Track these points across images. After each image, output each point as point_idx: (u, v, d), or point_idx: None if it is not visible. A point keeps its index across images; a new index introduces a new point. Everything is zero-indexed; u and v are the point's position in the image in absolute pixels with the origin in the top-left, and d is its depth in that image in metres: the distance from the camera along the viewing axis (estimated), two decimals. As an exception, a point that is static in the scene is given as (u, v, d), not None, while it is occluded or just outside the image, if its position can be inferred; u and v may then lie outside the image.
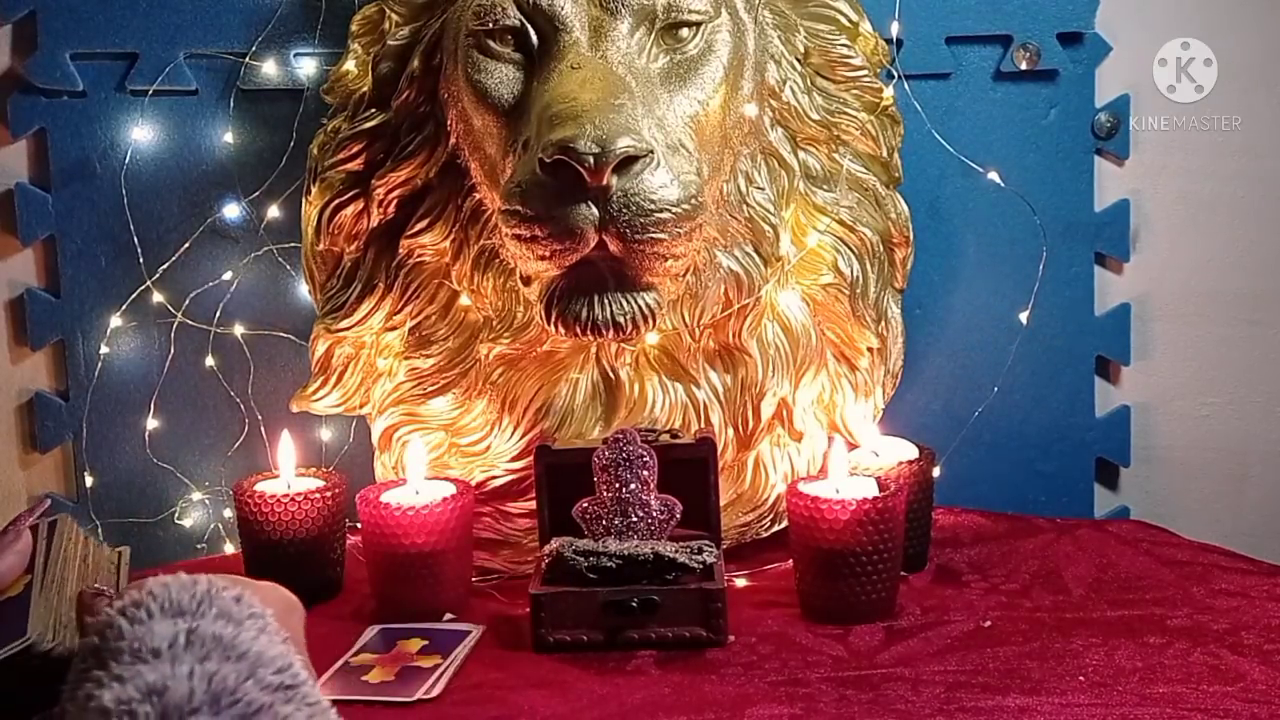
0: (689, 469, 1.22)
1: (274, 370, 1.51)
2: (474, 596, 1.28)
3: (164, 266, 1.48)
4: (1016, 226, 1.49)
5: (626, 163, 1.08)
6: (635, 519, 1.19)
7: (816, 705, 1.01)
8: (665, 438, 1.24)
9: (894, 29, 1.43)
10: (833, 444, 1.26)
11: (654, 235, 1.10)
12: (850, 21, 1.31)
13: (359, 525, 1.27)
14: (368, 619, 1.24)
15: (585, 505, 1.20)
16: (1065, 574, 1.28)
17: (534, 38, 1.18)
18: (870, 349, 1.35)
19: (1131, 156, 1.51)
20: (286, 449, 1.33)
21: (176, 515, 1.52)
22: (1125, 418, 1.55)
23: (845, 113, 1.30)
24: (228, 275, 1.49)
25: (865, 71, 1.31)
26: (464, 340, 1.30)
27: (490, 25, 1.18)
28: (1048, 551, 1.34)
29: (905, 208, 1.35)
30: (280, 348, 1.51)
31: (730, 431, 1.31)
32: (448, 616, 1.23)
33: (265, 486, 1.30)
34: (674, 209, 1.10)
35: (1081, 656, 1.08)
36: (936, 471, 1.36)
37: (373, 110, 1.29)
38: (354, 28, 1.34)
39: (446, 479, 1.31)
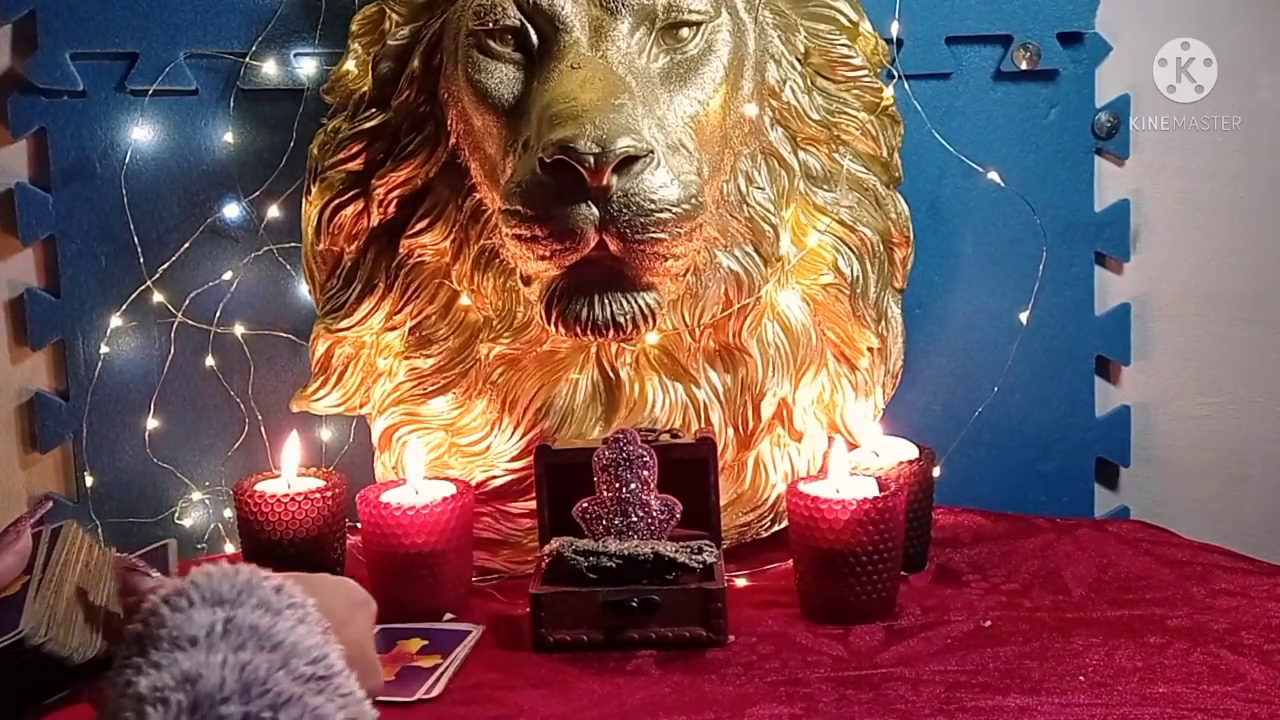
0: (689, 469, 1.22)
1: (274, 370, 1.51)
2: (474, 596, 1.28)
3: (164, 266, 1.48)
4: (1016, 226, 1.49)
5: (626, 163, 1.08)
6: (635, 519, 1.19)
7: (816, 705, 1.01)
8: (665, 438, 1.24)
9: (894, 29, 1.43)
10: (833, 444, 1.26)
11: (654, 235, 1.10)
12: (850, 21, 1.31)
13: (359, 525, 1.27)
14: (368, 619, 1.24)
15: (585, 505, 1.20)
16: (1065, 574, 1.28)
17: (534, 38, 1.18)
18: (870, 349, 1.35)
19: (1131, 156, 1.51)
20: (292, 448, 1.32)
21: (176, 515, 1.52)
22: (1125, 418, 1.55)
23: (845, 113, 1.30)
24: (228, 275, 1.49)
25: (865, 71, 1.31)
26: (464, 340, 1.30)
27: (490, 25, 1.18)
28: (1048, 551, 1.34)
29: (905, 208, 1.35)
30: (280, 348, 1.51)
31: (730, 431, 1.31)
32: (448, 616, 1.23)
33: (265, 486, 1.30)
34: (674, 209, 1.11)
35: (1081, 656, 1.08)
36: (936, 471, 1.36)
37: (373, 110, 1.29)
38: (354, 28, 1.34)
39: (446, 479, 1.31)
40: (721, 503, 1.25)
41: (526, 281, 1.17)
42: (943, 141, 1.45)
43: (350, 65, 1.33)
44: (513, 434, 1.31)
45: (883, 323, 1.34)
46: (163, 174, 1.49)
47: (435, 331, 1.31)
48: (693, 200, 1.12)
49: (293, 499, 1.27)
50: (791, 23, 1.29)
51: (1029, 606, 1.21)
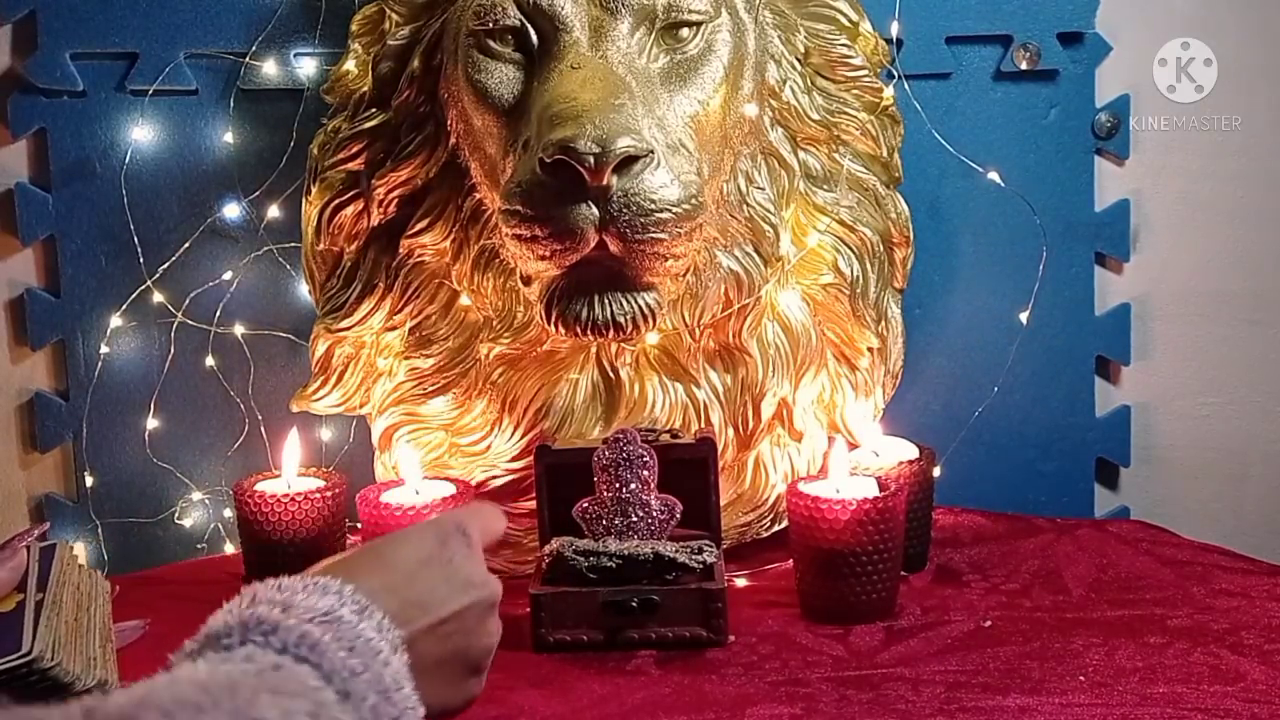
0: (689, 469, 1.22)
1: (274, 370, 1.51)
2: (474, 596, 1.28)
3: (164, 266, 1.48)
4: (1016, 226, 1.49)
5: (626, 163, 1.08)
6: (635, 519, 1.19)
7: (816, 705, 1.01)
8: (665, 438, 1.24)
9: (894, 29, 1.43)
10: (833, 444, 1.26)
11: (654, 235, 1.10)
12: (850, 21, 1.31)
13: (359, 525, 1.27)
14: (368, 619, 1.24)
15: (585, 505, 1.20)
16: (1065, 574, 1.28)
17: (534, 38, 1.18)
18: (870, 349, 1.35)
19: (1131, 156, 1.51)
20: (292, 447, 1.32)
21: (176, 515, 1.52)
22: (1125, 418, 1.55)
23: (845, 113, 1.30)
24: (228, 275, 1.49)
25: (865, 71, 1.31)
26: (464, 340, 1.30)
27: (490, 25, 1.18)
28: (1048, 551, 1.34)
29: (905, 208, 1.35)
30: (280, 348, 1.51)
31: (730, 431, 1.31)
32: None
33: (265, 486, 1.30)
34: (674, 209, 1.11)
35: (1081, 656, 1.08)
36: (936, 471, 1.36)
37: (373, 110, 1.29)
38: (354, 28, 1.34)
39: (446, 479, 1.31)
40: (721, 503, 1.25)
41: (526, 281, 1.17)
42: (943, 141, 1.45)
43: (350, 65, 1.33)
44: (513, 434, 1.31)
45: (883, 323, 1.34)
46: (163, 174, 1.49)
47: (435, 331, 1.31)
48: (693, 200, 1.12)
49: (293, 499, 1.27)
50: (791, 23, 1.29)
51: (1029, 606, 1.21)
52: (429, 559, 0.82)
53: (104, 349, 1.49)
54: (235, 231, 1.49)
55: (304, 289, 1.43)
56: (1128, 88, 1.50)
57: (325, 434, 1.50)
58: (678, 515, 1.20)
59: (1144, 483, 1.57)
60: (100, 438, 1.51)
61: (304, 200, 1.35)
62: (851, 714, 0.99)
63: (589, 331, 1.14)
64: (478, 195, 1.25)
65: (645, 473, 1.20)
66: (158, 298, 1.48)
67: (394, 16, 1.29)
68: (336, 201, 1.31)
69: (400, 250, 1.29)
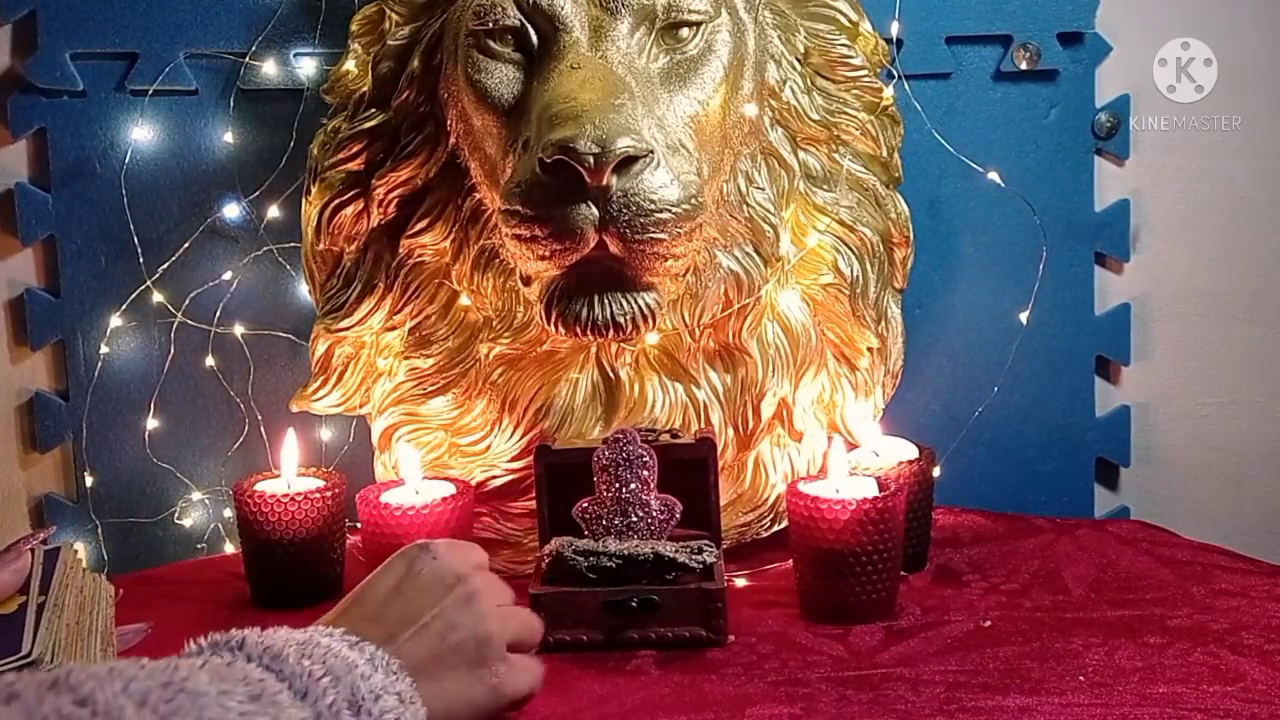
0: (689, 469, 1.22)
1: (274, 370, 1.51)
2: (474, 596, 1.28)
3: (164, 266, 1.48)
4: (1016, 226, 1.49)
5: (626, 163, 1.08)
6: (635, 519, 1.19)
7: (816, 705, 1.01)
8: (665, 438, 1.24)
9: (894, 29, 1.43)
10: (833, 444, 1.26)
11: (654, 235, 1.10)
12: (850, 21, 1.31)
13: (359, 525, 1.27)
14: (368, 619, 1.24)
15: (585, 505, 1.20)
16: (1065, 574, 1.28)
17: (534, 38, 1.18)
18: (870, 349, 1.35)
19: (1131, 156, 1.52)
20: (291, 447, 1.33)
21: (176, 515, 1.52)
22: (1125, 418, 1.55)
23: (845, 113, 1.30)
24: (228, 275, 1.49)
25: (865, 71, 1.31)
26: (464, 340, 1.30)
27: (490, 25, 1.18)
28: (1048, 551, 1.34)
29: (905, 208, 1.35)
30: (280, 348, 1.51)
31: (730, 431, 1.31)
32: (448, 616, 1.23)
33: (265, 486, 1.30)
34: (674, 209, 1.10)
35: (1081, 656, 1.08)
36: (936, 471, 1.36)
37: (373, 110, 1.29)
38: (354, 28, 1.34)
39: (446, 479, 1.31)
40: (721, 503, 1.25)
41: (526, 281, 1.17)
42: (943, 141, 1.45)
43: (350, 65, 1.33)
44: (513, 434, 1.31)
45: (883, 323, 1.34)
46: (163, 174, 1.49)
47: (435, 331, 1.31)
48: (693, 200, 1.12)
49: (292, 499, 1.27)
50: (791, 23, 1.29)
51: (1029, 606, 1.21)
52: (401, 582, 0.91)
53: (104, 349, 1.50)
54: (235, 231, 1.49)
55: (304, 289, 1.43)
56: (1128, 88, 1.50)
57: (325, 434, 1.50)
58: (678, 515, 1.20)
59: (1144, 483, 1.57)
60: (100, 438, 1.52)
61: (304, 200, 1.35)
62: (851, 714, 0.99)
63: (589, 331, 1.14)
64: (478, 195, 1.25)
65: (645, 473, 1.20)
66: (158, 298, 1.48)
67: (394, 16, 1.29)
68: (336, 201, 1.30)
69: (400, 250, 1.29)
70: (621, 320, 1.14)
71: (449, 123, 1.25)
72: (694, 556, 1.15)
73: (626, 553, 1.15)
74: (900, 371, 1.40)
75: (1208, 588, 1.23)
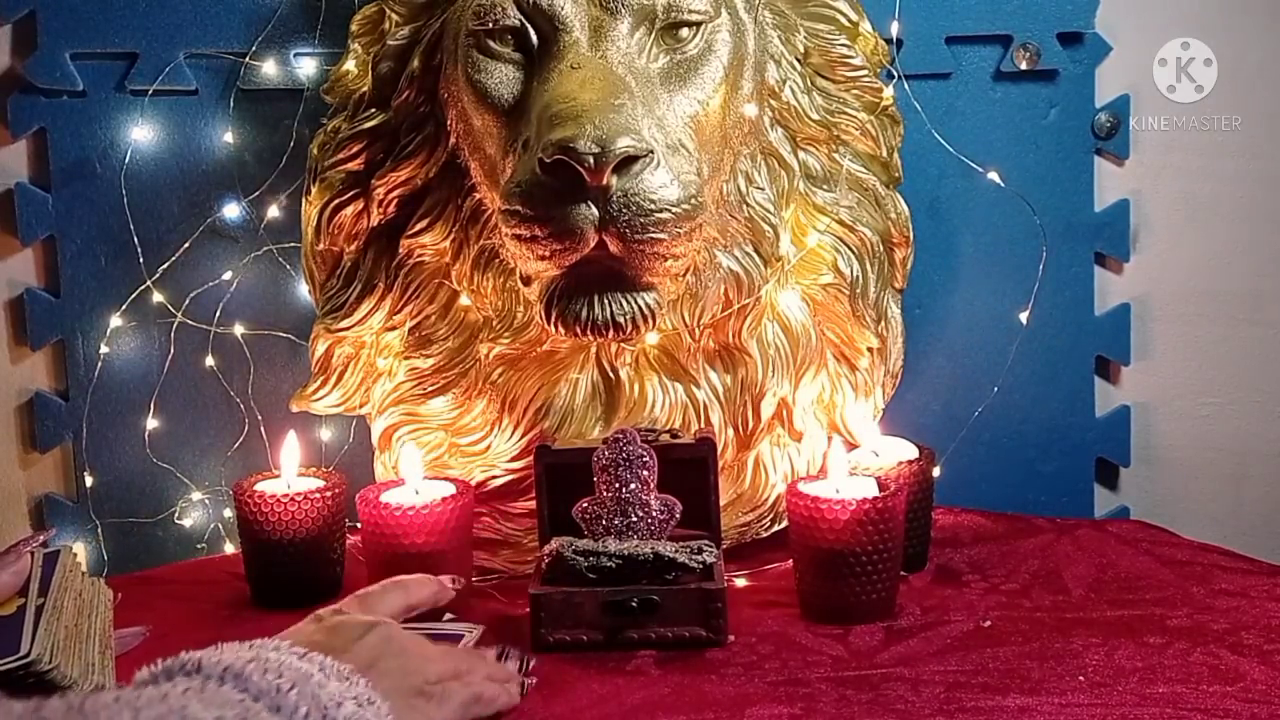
0: (689, 469, 1.22)
1: (274, 370, 1.51)
2: (474, 596, 1.28)
3: (164, 266, 1.48)
4: (1016, 226, 1.49)
5: (626, 163, 1.08)
6: (635, 519, 1.19)
7: (816, 705, 1.01)
8: (665, 438, 1.24)
9: (894, 29, 1.43)
10: (833, 444, 1.26)
11: (654, 235, 1.10)
12: (850, 21, 1.31)
13: (359, 525, 1.27)
14: (368, 619, 1.24)
15: (585, 505, 1.20)
16: (1065, 574, 1.28)
17: (534, 38, 1.18)
18: (870, 349, 1.35)
19: (1131, 156, 1.52)
20: (291, 448, 1.33)
21: (176, 515, 1.52)
22: (1125, 418, 1.55)
23: (845, 113, 1.30)
24: (228, 275, 1.49)
25: (865, 71, 1.31)
26: (464, 340, 1.30)
27: (490, 25, 1.18)
28: (1048, 551, 1.34)
29: (905, 208, 1.35)
30: (280, 348, 1.51)
31: (730, 431, 1.31)
32: (448, 616, 1.23)
33: (265, 486, 1.30)
34: (674, 209, 1.10)
35: (1081, 656, 1.08)
36: (936, 471, 1.36)
37: (373, 110, 1.29)
38: (354, 28, 1.34)
39: (446, 479, 1.31)
40: (721, 503, 1.25)
41: (526, 281, 1.17)
42: (943, 141, 1.45)
43: (350, 65, 1.33)
44: (512, 434, 1.31)
45: (882, 323, 1.34)
46: (163, 174, 1.49)
47: (435, 331, 1.31)
48: (693, 200, 1.12)
49: (292, 499, 1.27)
50: (791, 23, 1.29)
51: (1029, 606, 1.21)
52: (315, 631, 0.92)
53: (104, 349, 1.50)
54: (235, 231, 1.49)
55: (304, 289, 1.43)
56: (1128, 88, 1.50)
57: (325, 434, 1.50)
58: (677, 515, 1.20)
59: (1144, 483, 1.57)
60: (100, 438, 1.52)
61: (304, 200, 1.35)
62: (851, 714, 0.99)
63: (589, 331, 1.14)
64: (478, 195, 1.25)
65: (645, 473, 1.20)
66: (158, 298, 1.48)
67: (394, 16, 1.29)
68: (336, 201, 1.30)
69: (400, 250, 1.29)
70: (621, 320, 1.14)
71: (449, 123, 1.25)
72: (694, 556, 1.15)
73: (626, 553, 1.15)
74: (900, 371, 1.40)
75: (1208, 588, 1.23)
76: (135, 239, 1.48)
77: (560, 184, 1.09)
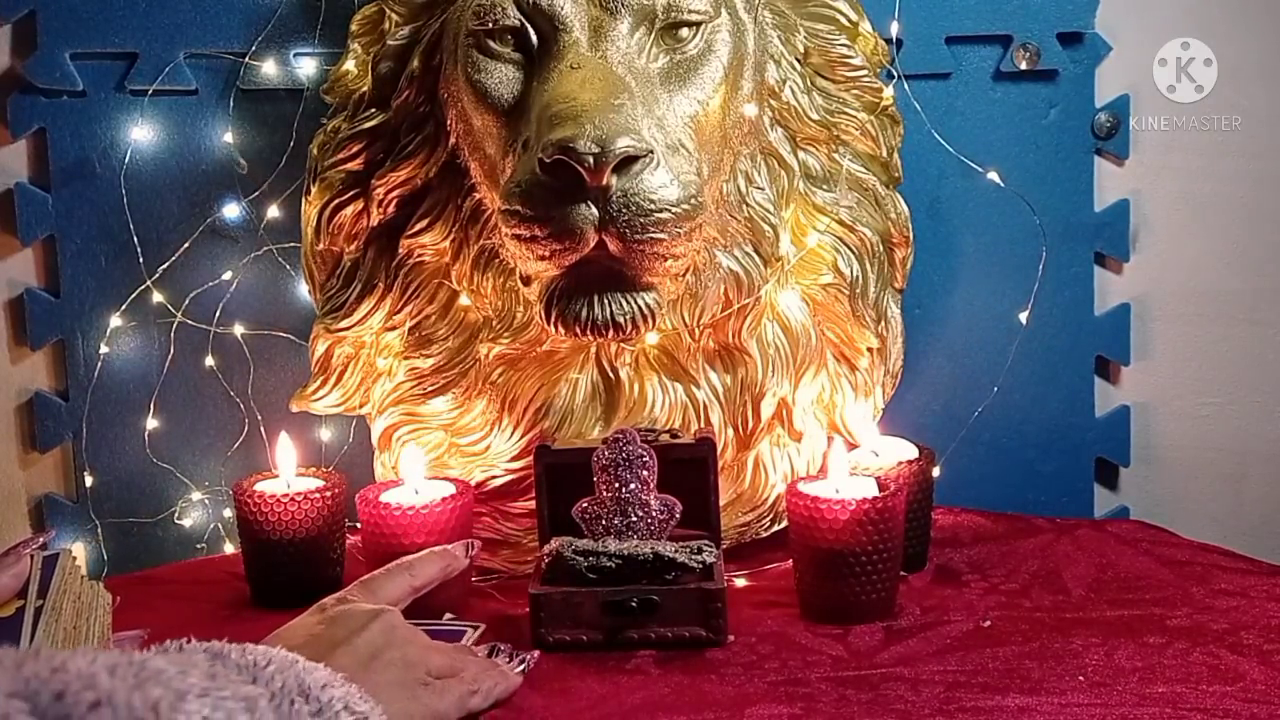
0: (689, 469, 1.22)
1: (274, 370, 1.51)
2: (473, 596, 1.28)
3: (164, 266, 1.48)
4: (1016, 226, 1.49)
5: (626, 163, 1.08)
6: (635, 519, 1.19)
7: (816, 705, 1.01)
8: (665, 438, 1.24)
9: (894, 29, 1.43)
10: (832, 444, 1.26)
11: (654, 235, 1.10)
12: (850, 21, 1.31)
13: (359, 525, 1.27)
14: (367, 619, 1.24)
15: (585, 505, 1.20)
16: (1065, 574, 1.28)
17: (534, 38, 1.18)
18: (870, 349, 1.35)
19: (1131, 156, 1.51)
20: (285, 450, 1.33)
21: (176, 515, 1.52)
22: (1125, 418, 1.55)
23: (845, 113, 1.30)
24: (228, 275, 1.49)
25: (865, 71, 1.31)
26: (464, 340, 1.30)
27: (490, 25, 1.18)
28: (1048, 551, 1.34)
29: (905, 208, 1.35)
30: (280, 348, 1.51)
31: (730, 431, 1.31)
32: (447, 616, 1.23)
33: (265, 486, 1.30)
34: (674, 209, 1.10)
35: (1081, 656, 1.08)
36: (936, 471, 1.36)
37: (373, 110, 1.29)
38: (354, 28, 1.34)
39: (446, 479, 1.31)
40: (721, 503, 1.25)
41: (526, 281, 1.17)
42: (942, 141, 1.45)
43: (350, 65, 1.33)
44: (512, 434, 1.31)
45: (882, 323, 1.34)
46: (163, 174, 1.49)
47: (435, 331, 1.31)
48: (692, 200, 1.12)
49: (292, 499, 1.27)
50: (791, 23, 1.29)
51: (1029, 606, 1.21)
52: (317, 623, 0.93)
53: (104, 349, 1.50)
54: (235, 231, 1.49)
55: (304, 289, 1.43)
56: (1127, 88, 1.50)
57: (325, 434, 1.50)
58: (677, 515, 1.20)
59: (1144, 483, 1.57)
60: (100, 438, 1.52)
61: (304, 200, 1.35)
62: (851, 714, 0.99)
63: (589, 331, 1.14)
64: (477, 195, 1.25)
65: (645, 473, 1.20)
66: (157, 298, 1.48)
67: (394, 16, 1.29)
68: (336, 201, 1.31)
69: (400, 250, 1.29)
70: (621, 320, 1.14)
71: (449, 123, 1.25)
72: (694, 556, 1.15)
73: (626, 553, 1.15)
74: (900, 371, 1.40)
75: (1207, 588, 1.23)
76: (135, 239, 1.48)
77: (560, 184, 1.09)
